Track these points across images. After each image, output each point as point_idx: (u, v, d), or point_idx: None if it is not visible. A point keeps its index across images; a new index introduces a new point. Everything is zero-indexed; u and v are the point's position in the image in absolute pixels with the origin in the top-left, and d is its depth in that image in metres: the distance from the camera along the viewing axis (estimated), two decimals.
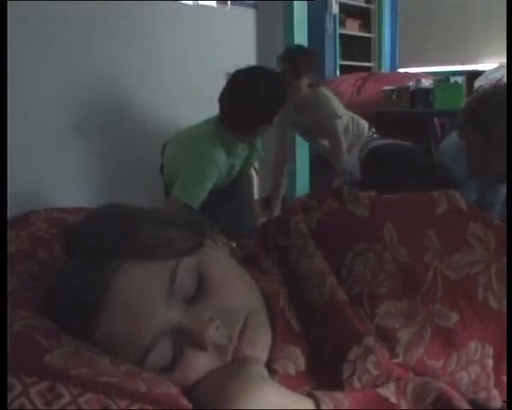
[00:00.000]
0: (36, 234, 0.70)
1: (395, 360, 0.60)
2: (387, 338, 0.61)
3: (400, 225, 0.67)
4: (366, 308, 0.62)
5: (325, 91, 3.01)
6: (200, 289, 0.58)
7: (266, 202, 3.71)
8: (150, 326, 0.54)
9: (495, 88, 1.65)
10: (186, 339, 0.56)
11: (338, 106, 3.00)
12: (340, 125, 3.01)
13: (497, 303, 0.63)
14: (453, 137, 1.84)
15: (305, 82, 2.93)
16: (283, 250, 0.69)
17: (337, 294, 0.63)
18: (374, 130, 3.16)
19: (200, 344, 0.56)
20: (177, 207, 1.94)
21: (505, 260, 0.65)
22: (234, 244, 0.75)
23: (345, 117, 3.04)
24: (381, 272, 0.64)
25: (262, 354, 0.60)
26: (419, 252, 0.65)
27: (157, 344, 0.55)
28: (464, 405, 0.57)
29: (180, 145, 2.17)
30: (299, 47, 3.16)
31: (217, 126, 2.18)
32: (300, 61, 2.94)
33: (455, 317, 0.62)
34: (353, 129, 3.10)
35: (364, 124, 3.15)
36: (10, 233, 0.68)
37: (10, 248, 0.66)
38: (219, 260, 0.63)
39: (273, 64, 2.73)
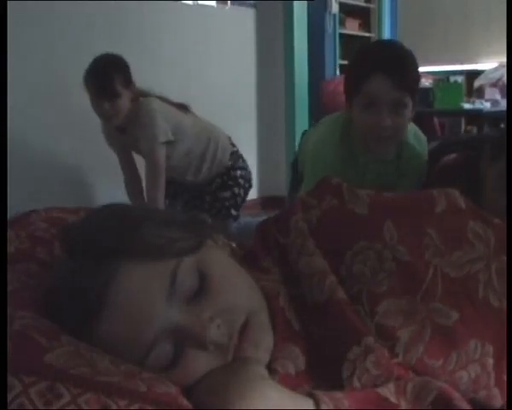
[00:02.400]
0: (36, 234, 0.70)
1: (395, 360, 0.60)
2: (387, 337, 0.61)
3: (400, 223, 0.67)
4: (366, 307, 0.62)
5: (152, 105, 2.27)
6: (201, 289, 0.58)
7: (266, 202, 3.71)
8: (151, 326, 0.54)
9: None
10: (187, 339, 0.56)
11: (172, 127, 2.31)
12: (179, 148, 2.35)
13: (498, 301, 0.63)
14: None
15: (122, 101, 2.21)
16: (283, 249, 0.69)
17: (337, 293, 0.63)
18: (234, 152, 2.57)
19: (200, 343, 0.55)
20: None
21: (505, 257, 0.65)
22: (234, 244, 0.75)
23: (187, 139, 2.37)
24: (381, 271, 0.64)
25: (264, 354, 0.60)
26: (419, 250, 0.65)
27: (157, 344, 0.55)
28: (464, 404, 0.57)
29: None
30: (108, 57, 2.25)
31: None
32: (113, 74, 2.19)
33: (455, 315, 0.62)
34: (212, 153, 2.48)
35: (225, 148, 2.53)
36: (10, 233, 0.68)
37: (10, 248, 0.66)
38: (220, 260, 0.63)
39: (273, 64, 2.71)
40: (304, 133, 2.07)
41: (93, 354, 0.51)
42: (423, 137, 1.63)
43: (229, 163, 2.54)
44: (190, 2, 3.62)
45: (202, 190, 2.54)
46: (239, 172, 2.57)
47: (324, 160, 1.57)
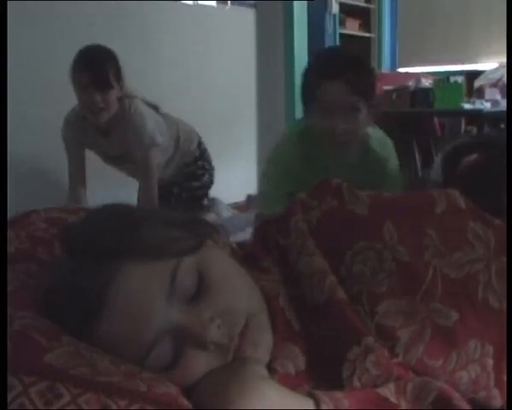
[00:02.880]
0: (36, 234, 0.70)
1: (395, 360, 0.60)
2: (387, 337, 0.61)
3: (400, 223, 0.67)
4: (366, 307, 0.62)
5: (141, 107, 2.16)
6: (201, 289, 0.58)
7: None
8: (151, 326, 0.54)
9: None
10: (187, 338, 0.56)
11: (158, 127, 2.22)
12: (160, 153, 2.27)
13: (497, 302, 0.63)
14: None
15: (114, 94, 2.07)
16: (283, 249, 0.69)
17: (337, 293, 0.63)
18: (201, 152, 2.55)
19: (201, 343, 0.55)
20: None
21: (505, 258, 0.65)
22: (234, 244, 0.75)
23: (164, 140, 2.27)
24: (381, 271, 0.64)
25: (263, 355, 0.60)
26: (419, 251, 0.65)
27: (158, 344, 0.55)
28: (464, 405, 0.57)
29: None
30: (100, 47, 2.10)
31: None
32: (107, 64, 2.05)
33: (455, 316, 0.62)
34: (181, 148, 2.43)
35: (193, 139, 2.50)
36: (10, 233, 0.68)
37: (10, 248, 0.66)
38: (220, 260, 0.63)
39: (273, 64, 2.71)
40: None
41: (93, 354, 0.51)
42: (389, 142, 1.65)
43: (197, 153, 2.54)
44: (190, 2, 3.62)
45: (169, 182, 2.48)
46: (206, 163, 2.58)
47: (284, 161, 1.61)
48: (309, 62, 1.63)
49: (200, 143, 2.56)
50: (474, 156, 1.53)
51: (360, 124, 1.48)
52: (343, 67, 1.45)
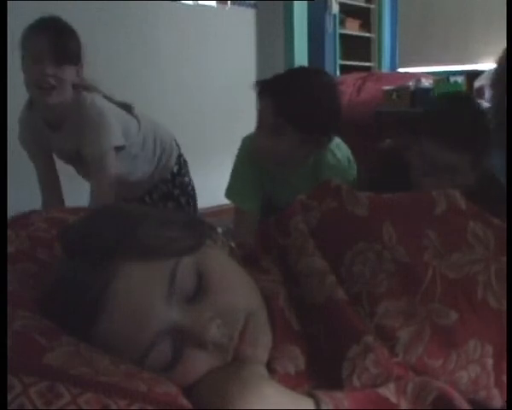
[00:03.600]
0: (36, 234, 0.71)
1: (395, 359, 0.60)
2: (387, 337, 0.61)
3: (399, 224, 0.67)
4: (365, 307, 0.62)
5: (101, 103, 1.81)
6: (200, 289, 0.58)
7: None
8: (150, 326, 0.54)
9: None
10: (186, 338, 0.56)
11: (123, 129, 1.85)
12: (125, 160, 1.89)
13: (497, 302, 0.63)
14: None
15: (69, 75, 1.72)
16: (283, 250, 0.69)
17: (336, 293, 0.63)
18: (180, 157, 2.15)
19: (200, 343, 0.56)
20: None
21: (505, 259, 0.66)
22: (233, 244, 0.75)
23: (134, 144, 1.91)
24: (381, 272, 0.64)
25: (263, 354, 0.60)
26: (418, 251, 0.65)
27: (157, 344, 0.55)
28: (464, 405, 0.57)
29: None
30: (62, 20, 1.78)
31: None
32: (68, 35, 1.73)
33: (454, 316, 0.62)
34: (157, 157, 2.04)
35: (172, 150, 2.09)
36: (10, 233, 0.68)
37: (10, 248, 0.66)
38: (219, 260, 0.63)
39: (273, 64, 2.71)
40: None
41: (93, 354, 0.51)
42: (345, 160, 1.56)
43: (176, 168, 2.12)
44: (190, 2, 3.62)
45: (140, 200, 2.08)
46: (186, 179, 2.16)
47: (242, 173, 1.59)
48: None
49: (180, 156, 2.15)
50: (387, 141, 1.56)
51: (284, 146, 1.40)
52: (275, 85, 1.40)
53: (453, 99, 1.46)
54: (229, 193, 1.64)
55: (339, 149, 1.56)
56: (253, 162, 1.55)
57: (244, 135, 1.64)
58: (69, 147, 1.84)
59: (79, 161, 1.87)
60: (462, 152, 1.28)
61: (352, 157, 1.61)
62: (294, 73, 1.49)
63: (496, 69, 1.50)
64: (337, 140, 1.58)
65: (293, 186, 1.49)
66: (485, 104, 4.07)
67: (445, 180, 1.29)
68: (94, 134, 1.76)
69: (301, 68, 1.70)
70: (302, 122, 1.37)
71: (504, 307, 0.63)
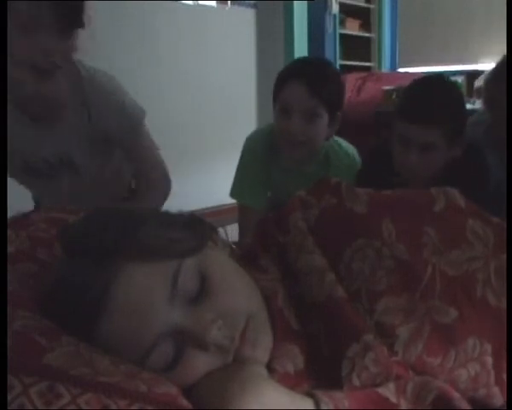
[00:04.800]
0: (36, 234, 0.70)
1: (394, 358, 0.60)
2: (386, 334, 0.61)
3: (398, 221, 0.67)
4: (365, 305, 0.62)
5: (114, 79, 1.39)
6: (202, 290, 0.58)
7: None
8: (152, 327, 0.54)
9: None
10: (188, 340, 0.56)
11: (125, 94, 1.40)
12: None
13: (496, 300, 0.63)
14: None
15: (72, 49, 1.22)
16: (282, 248, 0.69)
17: (336, 290, 0.63)
18: None
19: (202, 345, 0.55)
20: None
21: (504, 256, 0.66)
22: (233, 244, 0.75)
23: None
24: (380, 269, 0.64)
25: (263, 354, 0.60)
26: (417, 248, 0.65)
27: (158, 345, 0.55)
28: (464, 404, 0.57)
29: None
30: None
31: None
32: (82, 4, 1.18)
33: (453, 313, 0.62)
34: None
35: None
36: (10, 233, 0.68)
37: (10, 248, 0.66)
38: (220, 261, 0.63)
39: (273, 64, 2.70)
40: None
41: (93, 355, 0.51)
42: (351, 151, 1.64)
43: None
44: (190, 2, 3.62)
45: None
46: None
47: (248, 171, 1.62)
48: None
49: None
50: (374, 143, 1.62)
51: (319, 129, 1.47)
52: (307, 70, 1.46)
53: (425, 78, 1.52)
54: (235, 192, 1.66)
55: (343, 143, 1.65)
56: (262, 160, 1.59)
57: (244, 135, 1.65)
58: (54, 149, 1.35)
59: (57, 172, 1.40)
60: (438, 128, 1.32)
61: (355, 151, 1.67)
62: (318, 62, 1.60)
63: (492, 71, 1.53)
64: (339, 139, 1.64)
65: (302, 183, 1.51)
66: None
67: (427, 159, 1.34)
68: (118, 106, 1.34)
69: (317, 58, 1.91)
70: (334, 106, 1.47)
71: (504, 305, 0.63)
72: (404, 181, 1.41)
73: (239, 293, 0.61)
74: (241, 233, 1.64)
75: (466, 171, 1.36)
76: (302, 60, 1.69)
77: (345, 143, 1.65)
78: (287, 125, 1.46)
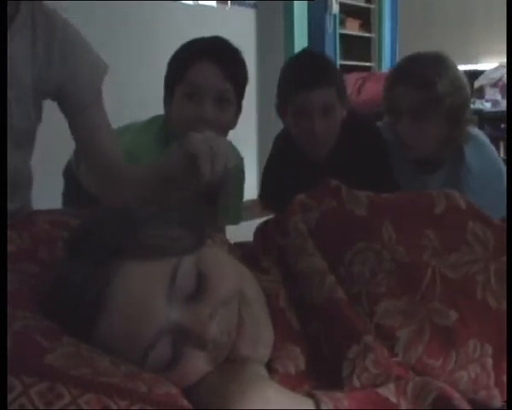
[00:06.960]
0: (38, 234, 0.70)
1: (394, 359, 0.60)
2: (387, 337, 0.61)
3: (399, 224, 0.67)
4: (365, 307, 0.62)
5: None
6: (200, 288, 0.58)
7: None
8: (151, 325, 0.54)
9: None
10: (186, 338, 0.56)
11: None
12: None
13: (496, 302, 0.63)
14: None
15: None
16: (283, 250, 0.69)
17: (336, 293, 0.63)
18: None
19: (200, 342, 0.55)
20: None
21: (504, 259, 0.66)
22: (232, 243, 0.75)
23: None
24: (380, 271, 0.64)
25: (264, 351, 0.60)
26: (417, 251, 0.65)
27: (158, 343, 0.55)
28: (464, 405, 0.57)
29: None
30: None
31: None
32: None
33: (454, 316, 0.62)
34: None
35: None
36: (13, 233, 0.68)
37: (12, 248, 0.66)
38: (218, 258, 0.63)
39: (273, 64, 2.69)
40: None
41: (93, 355, 0.51)
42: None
43: None
44: (190, 2, 3.62)
45: None
46: None
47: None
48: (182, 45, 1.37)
49: None
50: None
51: (229, 118, 1.32)
52: (219, 49, 1.34)
53: (295, 56, 1.63)
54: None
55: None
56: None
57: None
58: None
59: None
60: (334, 87, 1.42)
61: None
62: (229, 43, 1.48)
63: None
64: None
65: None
66: (486, 104, 4.07)
67: (329, 122, 1.42)
68: (85, 64, 1.20)
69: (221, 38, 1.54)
70: (240, 90, 1.39)
71: (504, 307, 0.63)
72: (313, 156, 1.45)
73: (230, 278, 0.60)
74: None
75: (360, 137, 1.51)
76: (207, 38, 1.41)
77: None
78: (197, 111, 1.23)
